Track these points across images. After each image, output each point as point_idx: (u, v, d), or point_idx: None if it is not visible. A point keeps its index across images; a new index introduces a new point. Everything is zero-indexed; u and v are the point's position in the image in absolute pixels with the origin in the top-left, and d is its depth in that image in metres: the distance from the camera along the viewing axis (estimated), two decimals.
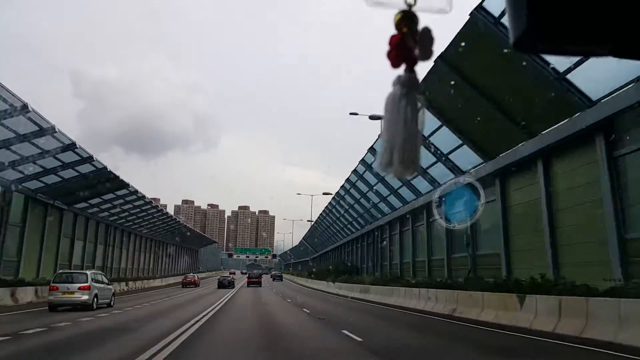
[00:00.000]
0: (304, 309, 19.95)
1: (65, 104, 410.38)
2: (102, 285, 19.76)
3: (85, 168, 25.47)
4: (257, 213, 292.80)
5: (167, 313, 18.10)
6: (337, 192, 39.50)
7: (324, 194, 44.18)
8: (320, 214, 54.08)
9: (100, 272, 22.43)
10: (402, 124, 1.07)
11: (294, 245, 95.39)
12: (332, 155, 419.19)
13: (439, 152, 20.66)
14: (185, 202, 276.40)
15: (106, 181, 28.52)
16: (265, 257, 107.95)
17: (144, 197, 36.32)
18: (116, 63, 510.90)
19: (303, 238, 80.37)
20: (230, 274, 66.21)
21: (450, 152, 20.35)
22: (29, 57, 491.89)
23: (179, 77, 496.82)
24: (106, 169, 26.83)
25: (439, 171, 22.18)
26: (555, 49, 0.91)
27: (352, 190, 35.25)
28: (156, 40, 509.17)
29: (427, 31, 1.06)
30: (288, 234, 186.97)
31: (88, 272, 19.59)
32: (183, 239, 66.77)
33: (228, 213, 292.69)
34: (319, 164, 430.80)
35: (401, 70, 1.09)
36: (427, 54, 1.08)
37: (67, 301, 17.97)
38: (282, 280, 74.68)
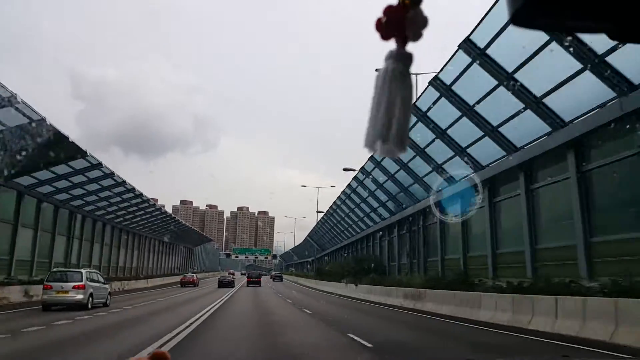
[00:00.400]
0: (352, 336, 11.11)
1: (64, 105, 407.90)
2: (97, 285, 19.69)
3: (8, 117, 17.43)
4: (256, 214, 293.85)
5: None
6: (362, 168, 29.94)
7: (344, 169, 33.83)
8: (331, 206, 46.32)
9: (96, 270, 22.52)
10: (391, 100, 1.07)
11: (296, 244, 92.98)
12: (332, 157, 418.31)
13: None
14: (183, 202, 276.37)
15: (51, 145, 19.81)
16: (265, 257, 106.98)
17: (112, 174, 27.59)
18: (116, 64, 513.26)
19: (308, 235, 74.22)
20: (229, 274, 65.43)
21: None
22: (28, 56, 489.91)
23: (179, 78, 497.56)
24: (44, 121, 18.48)
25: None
26: (555, 24, 0.89)
27: (378, 170, 27.82)
28: (156, 41, 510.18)
29: (420, 13, 1.03)
30: (289, 233, 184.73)
31: (83, 270, 19.51)
32: (175, 236, 59.94)
33: (227, 214, 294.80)
34: (319, 166, 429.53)
35: (392, 45, 1.07)
36: (417, 36, 1.05)
37: (61, 300, 17.78)
38: (281, 280, 76.83)
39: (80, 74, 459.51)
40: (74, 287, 17.80)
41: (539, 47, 12.54)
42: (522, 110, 14.82)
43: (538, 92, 14.03)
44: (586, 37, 10.45)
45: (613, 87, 12.01)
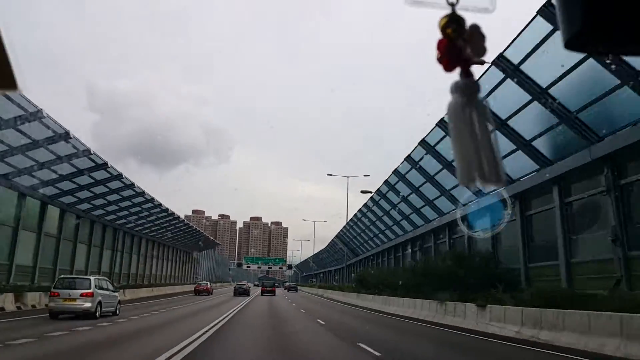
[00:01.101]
0: None
1: (80, 117, 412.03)
2: (106, 292, 19.30)
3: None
4: (269, 224, 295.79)
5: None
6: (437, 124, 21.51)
7: None
8: (376, 192, 34.85)
9: (105, 278, 22.03)
10: (471, 134, 1.05)
11: (315, 252, 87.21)
12: (349, 171, 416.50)
13: None
14: (195, 212, 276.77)
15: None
16: (280, 268, 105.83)
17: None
18: (129, 76, 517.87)
19: (336, 236, 60.51)
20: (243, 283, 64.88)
21: None
22: (42, 70, 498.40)
23: (192, 90, 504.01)
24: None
25: None
26: (607, 49, 0.94)
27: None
28: (170, 52, 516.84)
29: (475, 28, 1.05)
30: (307, 241, 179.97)
31: (91, 277, 19.18)
32: (172, 237, 51.95)
33: (240, 224, 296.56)
34: (333, 179, 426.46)
35: (456, 74, 1.07)
36: (479, 52, 1.06)
37: (69, 308, 17.57)
38: (296, 290, 76.69)
39: (95, 86, 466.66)
40: (81, 295, 17.52)
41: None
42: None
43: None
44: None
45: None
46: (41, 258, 26.79)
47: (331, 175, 53.34)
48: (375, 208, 37.82)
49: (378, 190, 34.12)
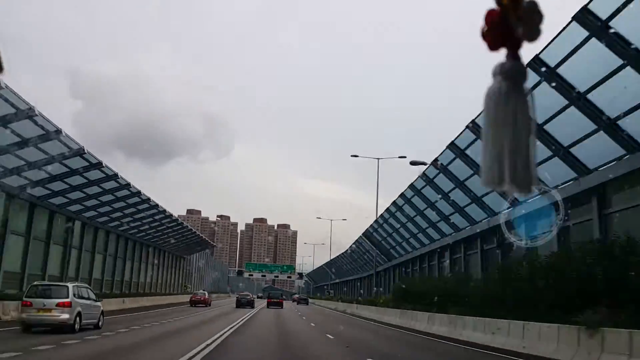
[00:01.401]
0: None
1: (66, 106, 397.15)
2: (87, 302, 17.75)
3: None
4: (275, 227, 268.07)
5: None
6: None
7: None
8: (432, 163, 24.60)
9: (85, 285, 20.18)
10: (510, 128, 0.94)
11: (332, 258, 74.62)
12: (363, 169, 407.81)
13: None
14: (190, 212, 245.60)
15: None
16: (288, 277, 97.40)
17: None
18: (118, 59, 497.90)
19: (363, 234, 47.19)
20: (246, 294, 61.28)
21: None
22: (20, 52, 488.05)
23: (190, 77, 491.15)
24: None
25: None
26: None
27: None
28: (166, 36, 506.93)
29: (533, 5, 0.92)
30: (320, 245, 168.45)
31: (70, 284, 17.55)
32: (156, 236, 44.52)
33: (241, 227, 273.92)
34: (348, 176, 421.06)
35: (501, 55, 0.97)
36: (533, 34, 0.95)
37: (43, 320, 16.13)
38: (307, 303, 71.38)
39: (78, 68, 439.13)
40: (58, 305, 16.07)
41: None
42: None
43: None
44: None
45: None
46: None
47: (356, 156, 38.06)
48: (427, 189, 27.54)
49: (435, 160, 23.97)
